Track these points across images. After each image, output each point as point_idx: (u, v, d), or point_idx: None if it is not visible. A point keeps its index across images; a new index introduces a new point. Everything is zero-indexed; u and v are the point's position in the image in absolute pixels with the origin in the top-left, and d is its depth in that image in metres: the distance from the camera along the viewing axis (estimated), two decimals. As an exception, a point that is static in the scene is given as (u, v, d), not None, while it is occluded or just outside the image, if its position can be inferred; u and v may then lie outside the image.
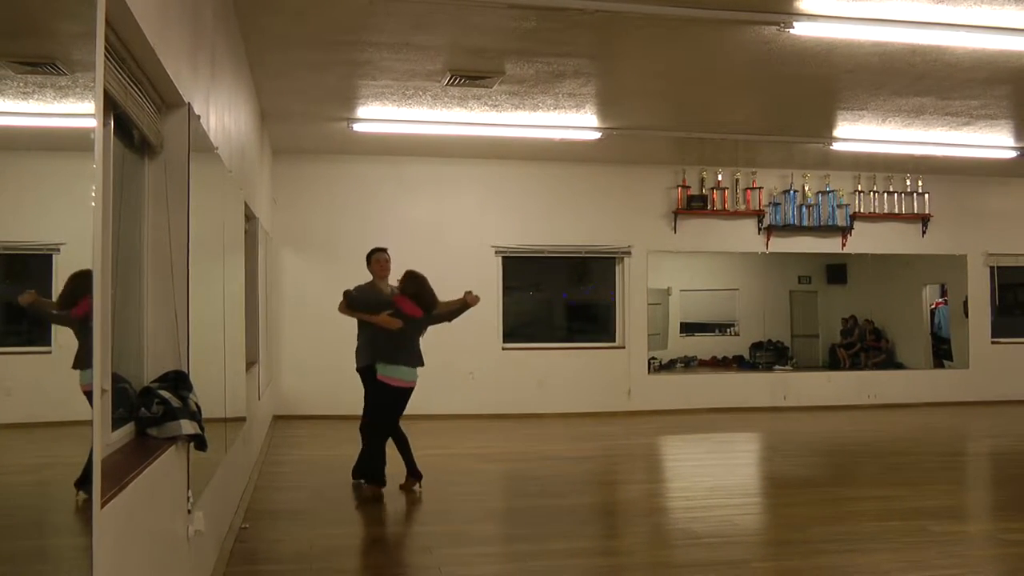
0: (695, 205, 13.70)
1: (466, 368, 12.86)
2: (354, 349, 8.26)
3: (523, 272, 13.76)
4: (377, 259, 8.44)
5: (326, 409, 12.33)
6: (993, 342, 15.15)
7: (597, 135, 11.05)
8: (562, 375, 13.23)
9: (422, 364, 8.01)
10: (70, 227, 2.75)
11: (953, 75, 8.73)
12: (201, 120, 4.70)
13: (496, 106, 9.88)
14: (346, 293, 8.17)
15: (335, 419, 12.10)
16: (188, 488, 4.19)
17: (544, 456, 9.99)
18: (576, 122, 10.63)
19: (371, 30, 7.38)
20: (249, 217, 8.35)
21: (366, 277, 11.86)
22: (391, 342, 7.80)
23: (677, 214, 13.67)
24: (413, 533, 6.51)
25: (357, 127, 10.59)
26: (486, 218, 13.03)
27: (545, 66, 8.38)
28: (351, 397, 12.47)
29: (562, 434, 11.57)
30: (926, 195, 14.49)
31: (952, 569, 5.74)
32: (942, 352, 16.40)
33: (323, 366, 12.49)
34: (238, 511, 6.76)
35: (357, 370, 8.23)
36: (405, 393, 7.84)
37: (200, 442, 3.99)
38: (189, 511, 4.21)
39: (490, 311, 12.91)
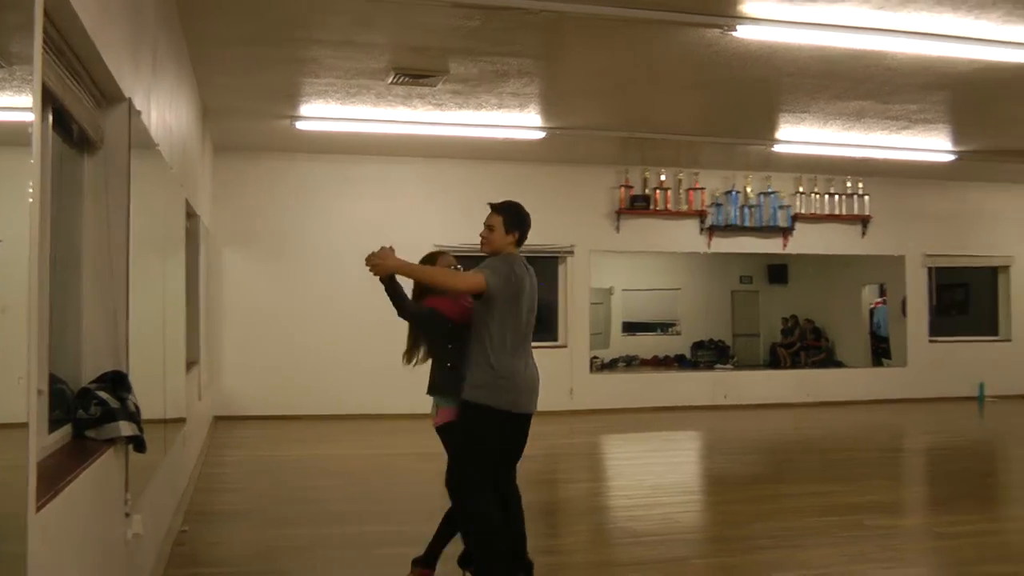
0: (638, 205, 13.78)
1: (407, 367, 12.78)
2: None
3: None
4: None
5: (268, 409, 12.24)
6: (931, 341, 15.45)
7: (541, 135, 11.07)
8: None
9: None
10: (7, 224, 2.69)
11: (893, 80, 8.87)
12: (142, 116, 4.62)
13: (440, 105, 9.86)
14: None
15: (277, 419, 12.03)
16: (126, 491, 4.12)
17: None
18: (520, 121, 10.64)
19: (314, 27, 7.32)
20: (190, 215, 8.23)
21: (308, 275, 11.88)
22: None
23: (620, 214, 13.74)
24: (355, 533, 6.47)
25: (300, 125, 10.50)
26: (430, 217, 12.97)
27: (489, 65, 8.37)
28: (293, 397, 12.47)
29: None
30: (866, 197, 14.71)
31: (888, 562, 5.85)
32: (881, 351, 16.67)
33: (265, 366, 12.41)
34: (177, 514, 6.67)
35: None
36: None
37: (139, 444, 3.93)
38: (127, 514, 4.14)
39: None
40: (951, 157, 12.76)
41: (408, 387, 12.53)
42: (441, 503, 7.72)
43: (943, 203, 15.40)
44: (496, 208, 5.19)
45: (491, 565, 4.90)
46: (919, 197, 15.20)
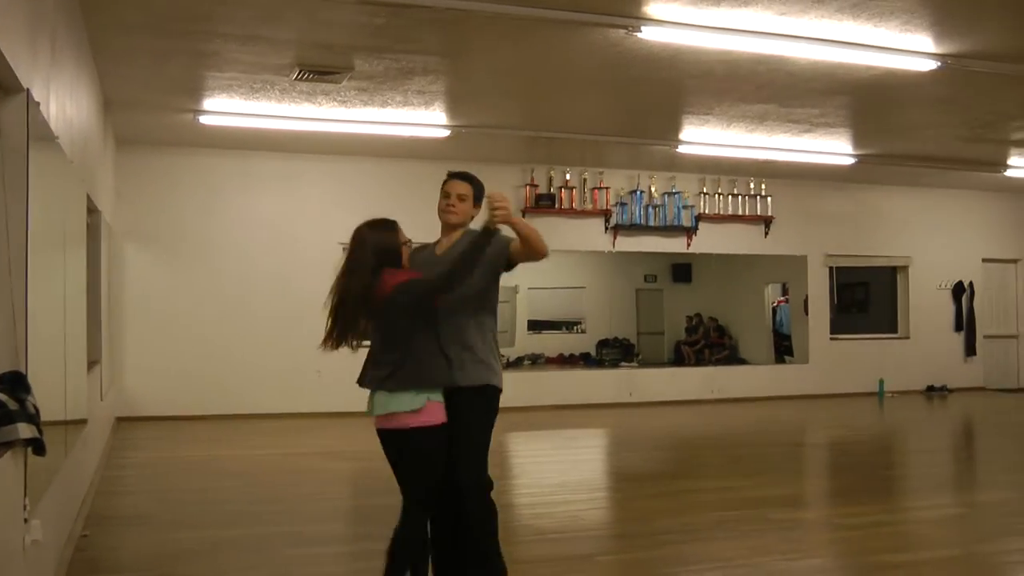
0: (543, 204, 13.84)
1: (312, 366, 12.64)
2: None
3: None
4: (442, 190, 4.99)
5: (171, 410, 12.00)
6: (832, 338, 15.86)
7: (446, 133, 11.05)
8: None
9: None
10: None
11: (795, 84, 9.07)
12: (41, 107, 4.50)
13: (345, 102, 9.78)
14: None
15: (180, 420, 11.80)
16: (25, 495, 4.00)
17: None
18: (425, 119, 10.62)
19: (219, 20, 7.20)
20: (91, 210, 8.03)
21: (211, 272, 11.53)
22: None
23: (525, 212, 13.76)
24: (258, 535, 6.36)
25: (204, 119, 10.32)
26: (334, 215, 12.77)
27: (394, 63, 8.34)
28: (197, 397, 12.23)
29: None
30: (769, 198, 15.02)
31: (790, 553, 5.96)
32: (783, 348, 17.03)
33: (168, 365, 12.16)
34: (78, 518, 6.49)
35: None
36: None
37: (38, 446, 3.81)
38: (26, 520, 4.02)
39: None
40: (852, 160, 13.12)
41: (311, 386, 12.52)
42: (348, 502, 7.66)
43: (844, 204, 15.81)
44: (464, 177, 4.88)
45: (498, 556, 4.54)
46: (821, 198, 15.57)
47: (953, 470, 10.01)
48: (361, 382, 4.40)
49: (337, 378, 12.68)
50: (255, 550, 6.01)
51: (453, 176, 4.90)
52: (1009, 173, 14.45)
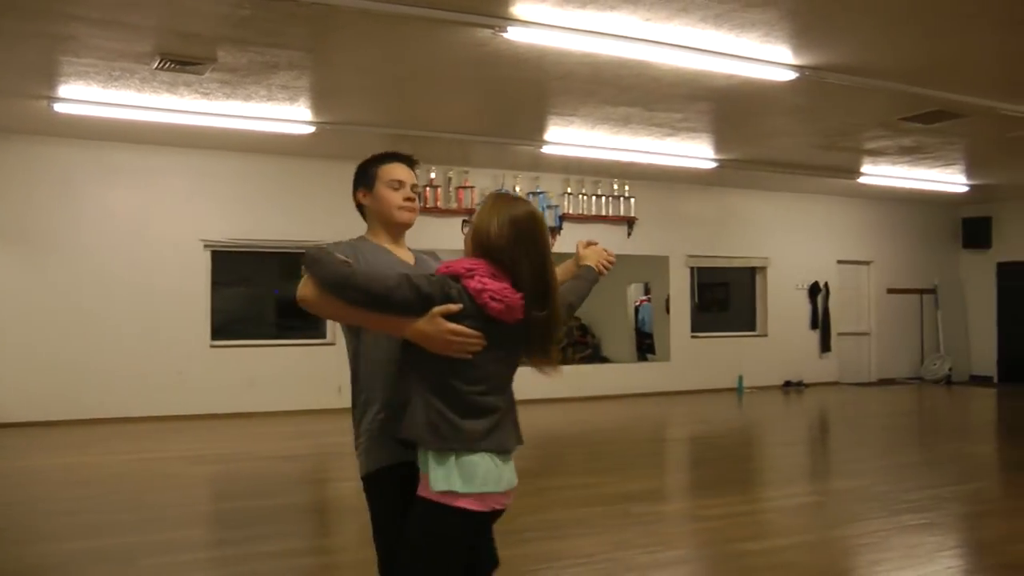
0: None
1: (173, 367, 12.36)
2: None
3: (234, 267, 13.21)
4: (390, 177, 3.38)
5: (27, 416, 11.50)
6: (692, 336, 16.23)
7: (311, 129, 10.89)
8: (273, 373, 12.89)
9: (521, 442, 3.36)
10: None
11: (658, 89, 9.23)
12: None
13: (207, 94, 9.54)
14: (306, 253, 2.99)
15: (33, 426, 11.34)
16: None
17: (255, 456, 9.75)
18: (289, 115, 10.44)
19: (76, 3, 6.91)
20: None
21: (65, 269, 11.01)
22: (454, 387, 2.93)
23: (390, 211, 13.64)
24: (117, 545, 6.14)
25: (59, 107, 9.89)
26: (195, 210, 12.51)
27: (259, 56, 8.17)
28: (51, 401, 11.74)
29: (273, 433, 11.33)
30: (632, 199, 15.27)
31: (652, 546, 6.08)
32: (646, 346, 17.32)
33: (19, 368, 11.62)
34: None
35: (364, 477, 3.29)
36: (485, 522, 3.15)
37: None
38: None
39: (198, 307, 12.50)
40: (713, 164, 13.44)
41: (171, 387, 12.20)
42: (211, 506, 7.47)
43: (705, 207, 16.20)
44: (413, 163, 3.50)
45: None
46: (683, 201, 15.92)
47: (809, 461, 10.39)
48: (470, 441, 2.94)
49: (198, 379, 12.51)
50: (118, 561, 5.79)
51: (399, 159, 3.45)
52: (862, 180, 15.07)
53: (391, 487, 3.11)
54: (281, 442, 10.70)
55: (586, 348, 17.98)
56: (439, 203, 13.92)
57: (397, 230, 3.38)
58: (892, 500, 7.54)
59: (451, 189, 14.06)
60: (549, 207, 14.62)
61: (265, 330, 13.98)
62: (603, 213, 15.15)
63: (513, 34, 7.24)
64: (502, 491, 3.04)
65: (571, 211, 14.85)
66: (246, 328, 13.68)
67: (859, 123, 11.17)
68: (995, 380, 18.58)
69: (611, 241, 15.13)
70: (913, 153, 13.13)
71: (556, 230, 14.74)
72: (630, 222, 15.37)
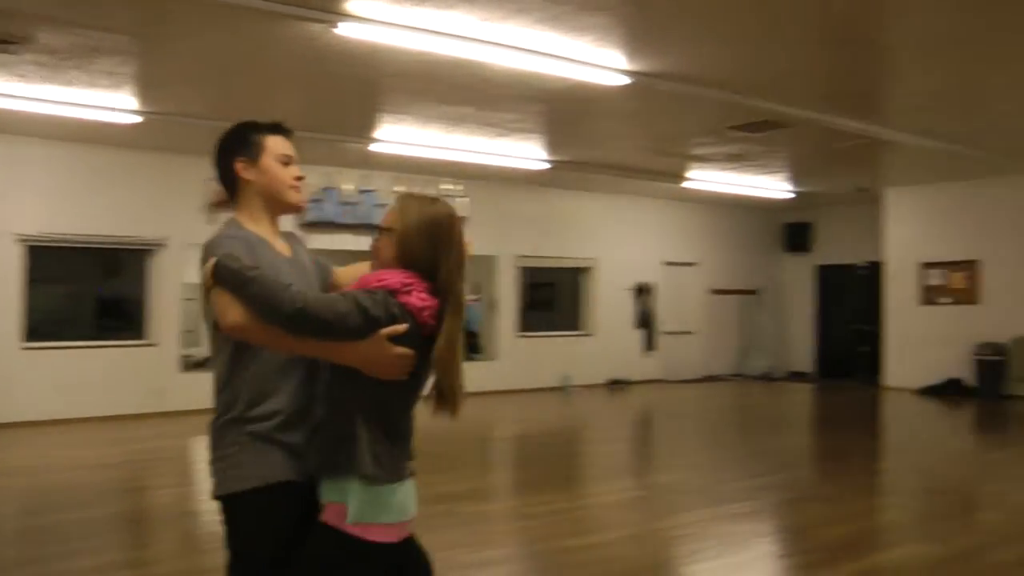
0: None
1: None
2: None
3: (50, 263, 12.42)
4: (280, 151, 3.06)
5: None
6: (519, 336, 16.35)
7: (136, 119, 10.44)
8: (91, 376, 12.21)
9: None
10: None
11: (491, 89, 9.25)
12: None
13: (23, 76, 8.98)
14: (226, 266, 2.57)
15: None
16: None
17: (69, 466, 9.25)
18: (113, 103, 9.99)
19: None
20: None
21: None
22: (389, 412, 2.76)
23: (214, 207, 13.16)
24: None
25: None
26: (6, 202, 11.79)
27: (82, 38, 7.76)
28: None
29: (90, 440, 10.81)
30: (463, 199, 15.25)
31: (477, 545, 6.12)
32: (473, 345, 17.37)
33: None
34: None
35: (221, 497, 2.82)
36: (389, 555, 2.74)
37: None
38: None
39: (8, 306, 11.74)
40: (545, 165, 13.57)
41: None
42: (17, 523, 7.06)
43: (536, 207, 16.36)
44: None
45: None
46: (513, 201, 16.03)
47: (632, 457, 10.65)
48: (400, 469, 2.77)
49: (9, 384, 11.76)
50: None
51: (284, 131, 3.13)
52: (687, 184, 15.50)
53: (281, 507, 2.72)
54: (97, 449, 10.25)
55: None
56: (267, 201, 13.51)
57: (283, 213, 2.96)
58: (712, 492, 7.82)
59: (280, 186, 13.68)
60: (379, 206, 14.47)
61: (84, 331, 13.32)
62: (435, 212, 15.06)
63: (345, 30, 7.12)
64: (409, 518, 2.79)
65: (403, 209, 14.70)
66: (64, 329, 13.02)
67: (688, 130, 11.50)
68: (812, 376, 19.52)
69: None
70: (739, 160, 13.61)
71: (388, 228, 14.58)
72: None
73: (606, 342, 17.42)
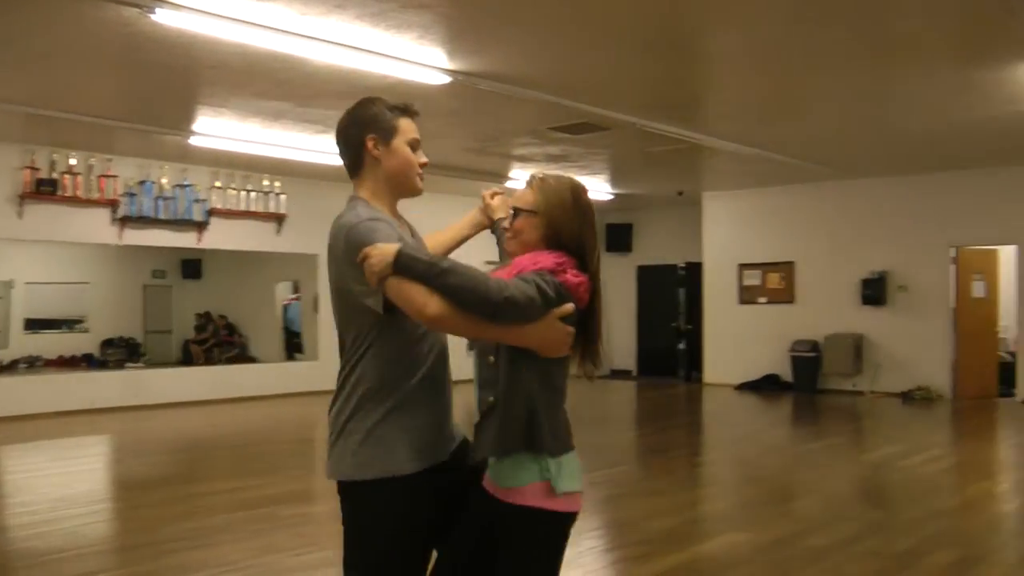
0: (44, 190, 12.63)
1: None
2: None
3: None
4: (411, 135, 2.98)
5: None
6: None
7: (-68, 103, 9.82)
8: None
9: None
10: None
11: (312, 85, 9.11)
12: None
13: None
14: (412, 257, 2.57)
15: None
16: None
17: None
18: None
19: None
20: None
21: None
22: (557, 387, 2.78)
23: (24, 198, 12.56)
24: None
25: None
26: None
27: None
28: None
29: None
30: (282, 196, 15.01)
31: (299, 549, 6.00)
32: (294, 345, 17.13)
33: None
34: None
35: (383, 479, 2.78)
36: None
37: None
38: None
39: None
40: (363, 163, 13.44)
41: None
42: None
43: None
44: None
45: None
46: (334, 199, 15.57)
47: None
48: (571, 438, 2.85)
49: None
50: None
51: (411, 113, 2.99)
52: (509, 185, 15.64)
53: (434, 492, 2.76)
54: None
55: (233, 348, 17.53)
56: (79, 192, 12.94)
57: (404, 197, 2.95)
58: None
59: (92, 177, 13.12)
60: (197, 201, 14.07)
61: None
62: (253, 209, 14.78)
63: (162, 16, 6.86)
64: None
65: (220, 206, 14.36)
66: None
67: (510, 130, 11.61)
68: (634, 373, 20.07)
69: (260, 238, 14.90)
70: (560, 161, 13.83)
71: (203, 225, 14.22)
72: (280, 219, 15.10)
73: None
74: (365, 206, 2.79)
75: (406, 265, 2.51)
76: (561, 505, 2.68)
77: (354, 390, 2.76)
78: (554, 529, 2.71)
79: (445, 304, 2.51)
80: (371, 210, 2.77)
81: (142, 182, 13.58)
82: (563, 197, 2.77)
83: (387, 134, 2.79)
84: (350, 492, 2.84)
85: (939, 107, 10.45)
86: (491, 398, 2.70)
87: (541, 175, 2.84)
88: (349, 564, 2.94)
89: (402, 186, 2.89)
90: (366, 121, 2.80)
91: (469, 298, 2.53)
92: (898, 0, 6.96)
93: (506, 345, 2.66)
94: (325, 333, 15.91)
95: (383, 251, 2.53)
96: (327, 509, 7.47)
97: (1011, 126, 11.28)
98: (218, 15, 6.96)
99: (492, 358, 2.71)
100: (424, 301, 2.49)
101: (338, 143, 2.86)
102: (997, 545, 6.30)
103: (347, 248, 2.62)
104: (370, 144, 2.79)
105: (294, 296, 17.63)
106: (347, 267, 2.62)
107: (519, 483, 2.66)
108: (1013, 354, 15.23)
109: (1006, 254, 15.41)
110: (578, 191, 2.80)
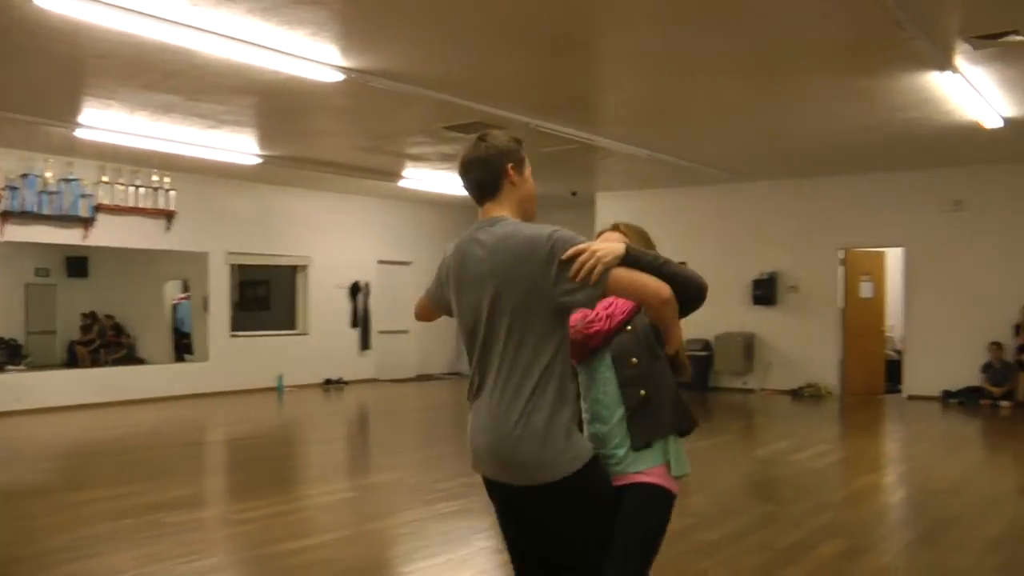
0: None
1: None
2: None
3: None
4: (529, 165, 3.24)
5: None
6: (232, 335, 15.88)
7: None
8: None
9: None
10: None
11: (202, 78, 8.89)
12: None
13: None
14: (639, 251, 2.94)
15: None
16: None
17: None
18: None
19: None
20: None
21: None
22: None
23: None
24: None
25: None
26: None
27: None
28: None
29: None
30: (172, 192, 14.64)
31: (186, 556, 5.84)
32: (184, 346, 16.75)
33: None
34: None
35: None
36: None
37: None
38: None
39: None
40: (257, 160, 13.21)
41: None
42: None
43: (249, 203, 15.93)
44: None
45: None
46: (225, 196, 15.55)
47: (347, 457, 10.60)
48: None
49: None
50: None
51: None
52: (403, 183, 15.56)
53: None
54: None
55: (120, 349, 17.05)
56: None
57: (527, 221, 3.10)
58: (427, 490, 7.87)
59: (-30, 170, 12.59)
60: (83, 196, 13.62)
61: None
62: (141, 205, 14.37)
63: (46, 2, 6.59)
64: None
65: (107, 202, 13.91)
66: None
67: (402, 128, 11.52)
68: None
69: (149, 236, 14.52)
70: (453, 160, 13.60)
71: (90, 221, 13.78)
72: (169, 216, 14.73)
73: (321, 341, 17.24)
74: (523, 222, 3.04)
75: (636, 257, 2.82)
76: (674, 486, 3.07)
77: (546, 388, 2.84)
78: (670, 508, 3.05)
79: (670, 288, 2.82)
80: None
81: (25, 175, 13.05)
82: (644, 236, 3.29)
83: (521, 165, 3.09)
84: (581, 479, 2.88)
85: (827, 114, 10.70)
86: (642, 392, 3.03)
87: (624, 223, 3.33)
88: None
89: (527, 212, 3.13)
90: (506, 151, 3.05)
91: (684, 283, 2.88)
92: (786, 9, 7.08)
93: (647, 345, 3.08)
94: (216, 334, 15.61)
95: (609, 247, 2.81)
96: (215, 514, 7.35)
97: (897, 133, 11.61)
98: (105, 3, 6.71)
99: (635, 359, 3.06)
100: (658, 285, 2.80)
101: (475, 167, 3.07)
102: (883, 535, 6.47)
103: (554, 250, 2.81)
104: (510, 170, 3.04)
105: (184, 295, 17.23)
106: (552, 268, 2.80)
107: (640, 467, 3.00)
108: (899, 352, 15.72)
109: (893, 256, 15.93)
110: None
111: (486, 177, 3.04)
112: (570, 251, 2.78)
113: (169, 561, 5.71)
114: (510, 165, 3.04)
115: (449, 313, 3.20)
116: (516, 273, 2.83)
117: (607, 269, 2.75)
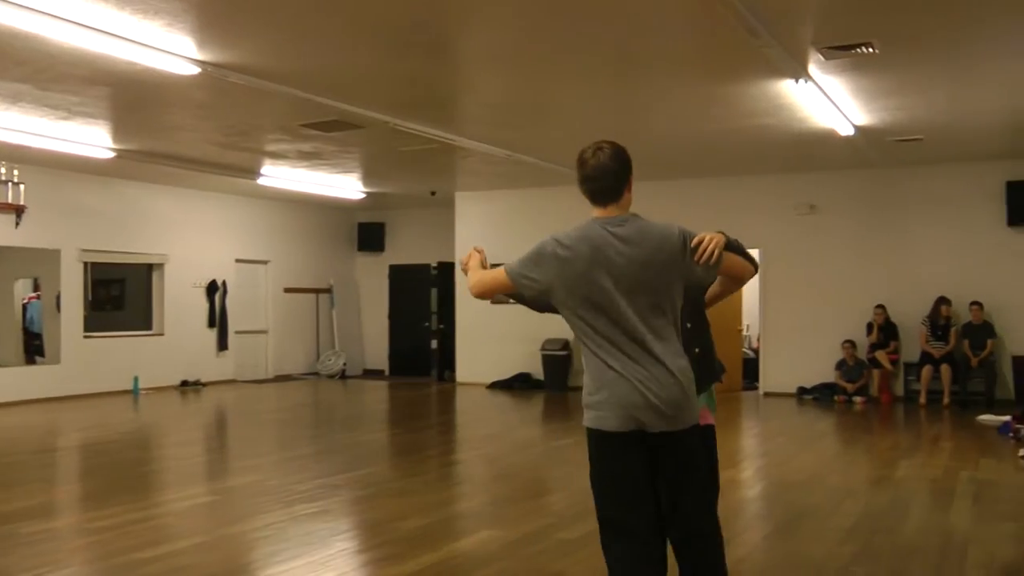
0: None
1: None
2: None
3: None
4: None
5: None
6: (86, 336, 15.39)
7: None
8: None
9: None
10: None
11: (54, 67, 8.58)
12: None
13: None
14: (732, 238, 3.76)
15: None
16: None
17: None
18: None
19: None
20: None
21: None
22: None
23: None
24: None
25: None
26: None
27: None
28: None
29: None
30: (21, 186, 14.08)
31: (40, 568, 5.62)
32: (34, 348, 16.13)
33: None
34: None
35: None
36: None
37: None
38: None
39: None
40: (111, 154, 12.80)
41: None
42: None
43: (102, 199, 15.46)
44: None
45: None
46: (78, 191, 15.05)
47: (206, 460, 10.39)
48: None
49: None
50: None
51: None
52: (261, 181, 15.31)
53: None
54: None
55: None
56: None
57: None
58: (286, 492, 7.79)
59: None
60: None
61: None
62: (-13, 200, 13.80)
63: None
64: None
65: (-51, 196, 13.31)
66: None
67: (260, 125, 11.34)
68: (387, 373, 20.17)
69: (-5, 232, 13.93)
70: (312, 158, 13.64)
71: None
72: (19, 211, 14.17)
73: (178, 342, 16.86)
74: None
75: (733, 242, 3.62)
76: (712, 420, 4.28)
77: (680, 347, 3.51)
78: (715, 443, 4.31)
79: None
80: None
81: None
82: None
83: (631, 179, 3.66)
84: (706, 433, 4.08)
85: (687, 118, 10.97)
86: (696, 349, 4.16)
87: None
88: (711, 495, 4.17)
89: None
90: (631, 165, 3.62)
91: (753, 262, 3.76)
92: (643, 15, 7.22)
93: (699, 311, 4.56)
94: (68, 335, 15.10)
95: (717, 236, 3.48)
96: (69, 523, 7.12)
97: (755, 138, 11.98)
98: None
99: (689, 324, 4.01)
100: (747, 263, 3.70)
101: (608, 176, 3.55)
102: (740, 528, 6.64)
103: (685, 239, 3.49)
104: (632, 181, 3.62)
105: (34, 295, 16.58)
106: (686, 253, 3.48)
107: (701, 406, 3.78)
108: (756, 350, 16.20)
109: (749, 256, 16.35)
110: None
111: (616, 184, 3.55)
112: (696, 239, 3.45)
113: (22, 574, 5.50)
114: (631, 177, 3.61)
115: (521, 299, 3.85)
116: (658, 258, 3.43)
117: (722, 252, 3.45)
